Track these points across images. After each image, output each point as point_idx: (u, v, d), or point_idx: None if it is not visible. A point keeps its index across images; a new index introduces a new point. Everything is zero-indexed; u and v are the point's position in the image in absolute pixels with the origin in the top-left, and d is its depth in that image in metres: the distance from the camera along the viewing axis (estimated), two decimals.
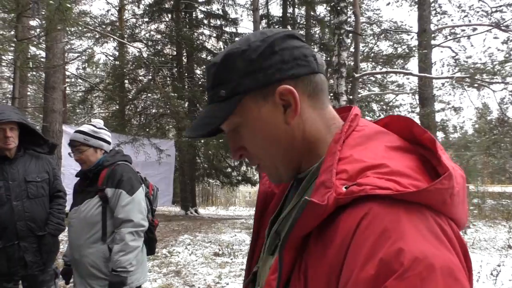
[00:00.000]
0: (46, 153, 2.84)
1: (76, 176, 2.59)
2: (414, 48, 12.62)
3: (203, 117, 0.76)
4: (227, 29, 16.81)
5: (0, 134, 2.54)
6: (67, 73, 14.91)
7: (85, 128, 2.53)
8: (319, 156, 0.72)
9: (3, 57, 8.07)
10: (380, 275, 0.51)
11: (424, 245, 0.52)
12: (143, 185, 2.56)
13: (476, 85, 10.67)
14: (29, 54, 7.72)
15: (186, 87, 14.72)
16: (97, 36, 14.94)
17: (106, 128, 2.64)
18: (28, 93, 15.79)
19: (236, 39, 16.96)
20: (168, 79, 15.62)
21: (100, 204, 2.39)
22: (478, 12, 13.40)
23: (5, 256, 2.53)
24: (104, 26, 15.31)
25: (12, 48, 6.82)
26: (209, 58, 16.35)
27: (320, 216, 0.59)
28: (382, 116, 14.79)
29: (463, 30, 13.13)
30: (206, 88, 0.76)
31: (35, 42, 7.30)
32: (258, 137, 0.73)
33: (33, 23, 11.43)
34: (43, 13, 6.62)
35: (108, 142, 2.59)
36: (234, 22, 16.66)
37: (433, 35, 12.64)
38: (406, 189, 0.56)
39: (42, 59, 9.54)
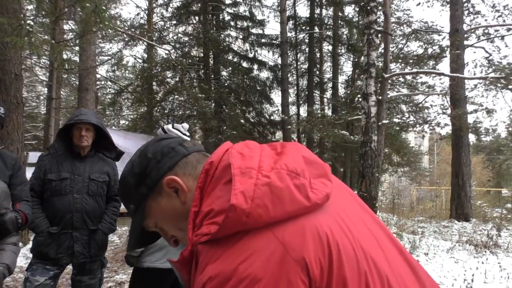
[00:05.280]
0: (113, 158, 3.07)
1: None
2: (445, 49, 12.34)
3: (129, 232, 0.97)
4: (253, 30, 16.88)
5: (77, 132, 2.80)
6: (97, 75, 15.28)
7: (162, 129, 2.66)
8: None
9: (39, 60, 8.34)
10: None
11: (220, 266, 0.68)
12: None
13: (511, 86, 10.34)
14: (65, 56, 7.95)
15: (212, 88, 14.85)
16: (126, 39, 15.25)
17: (182, 129, 2.73)
18: (61, 94, 16.25)
19: (263, 40, 17.03)
20: (195, 80, 15.77)
21: None
22: None
23: (57, 242, 2.74)
24: (133, 29, 15.61)
25: (47, 52, 7.03)
26: (235, 59, 16.45)
27: (186, 264, 0.80)
28: (411, 117, 14.53)
29: (497, 30, 12.78)
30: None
31: (71, 44, 7.51)
32: (171, 223, 0.89)
33: (65, 26, 11.79)
34: (79, 15, 6.83)
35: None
36: (261, 23, 16.70)
37: (465, 35, 12.34)
38: (212, 232, 0.72)
39: (75, 61, 9.81)
